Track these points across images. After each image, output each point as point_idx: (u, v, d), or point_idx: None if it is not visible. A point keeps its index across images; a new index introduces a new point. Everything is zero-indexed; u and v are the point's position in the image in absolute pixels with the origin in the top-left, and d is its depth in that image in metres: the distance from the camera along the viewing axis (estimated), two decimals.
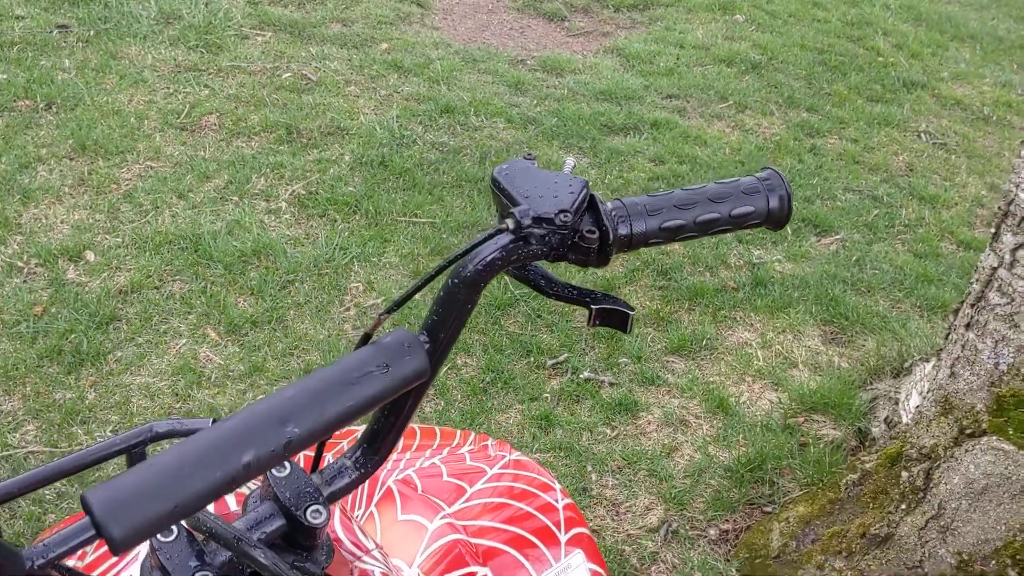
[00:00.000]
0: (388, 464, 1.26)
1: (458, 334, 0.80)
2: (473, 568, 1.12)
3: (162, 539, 0.74)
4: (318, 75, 3.71)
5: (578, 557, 1.18)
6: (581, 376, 2.45)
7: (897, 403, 2.24)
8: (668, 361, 2.57)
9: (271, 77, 3.66)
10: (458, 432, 1.34)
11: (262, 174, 3.08)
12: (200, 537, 0.75)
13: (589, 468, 2.19)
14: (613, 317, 0.79)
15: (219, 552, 0.76)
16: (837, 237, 3.19)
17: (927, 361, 2.26)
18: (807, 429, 2.32)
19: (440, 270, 0.75)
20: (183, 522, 0.74)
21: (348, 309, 2.59)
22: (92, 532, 0.65)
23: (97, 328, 2.40)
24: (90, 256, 2.65)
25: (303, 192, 3.02)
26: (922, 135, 3.99)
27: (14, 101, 3.27)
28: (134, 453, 1.07)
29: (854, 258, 3.07)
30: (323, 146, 3.27)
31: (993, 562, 1.69)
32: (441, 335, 0.77)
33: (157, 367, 2.32)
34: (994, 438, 1.75)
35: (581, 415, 2.34)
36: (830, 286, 2.89)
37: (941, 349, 2.05)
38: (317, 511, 0.78)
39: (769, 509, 2.12)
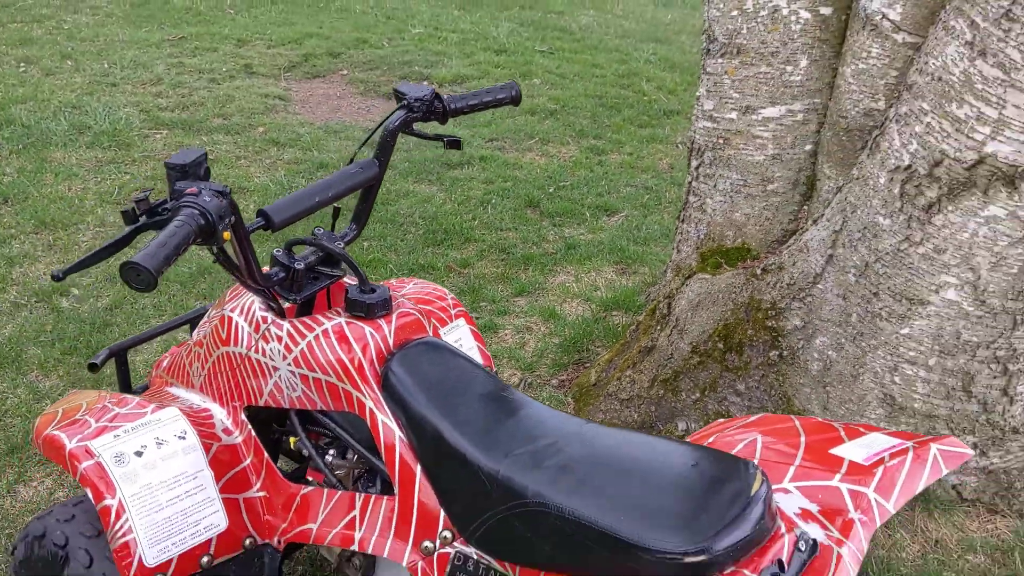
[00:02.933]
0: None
1: (389, 159, 1.86)
2: None
3: (277, 253, 1.75)
4: (214, 155, 4.70)
5: (462, 320, 2.21)
6: None
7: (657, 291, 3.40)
8: (514, 300, 3.65)
9: None
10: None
11: None
12: (293, 251, 1.76)
13: None
14: (454, 143, 1.88)
15: (305, 258, 1.77)
16: (622, 215, 4.41)
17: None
18: (608, 319, 3.45)
19: (379, 127, 1.83)
20: (282, 249, 1.74)
21: None
22: (264, 223, 1.65)
23: (98, 332, 3.27)
24: (75, 291, 3.52)
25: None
26: (679, 144, 5.33)
27: None
28: (193, 321, 2.19)
29: (635, 225, 4.28)
30: None
31: (709, 343, 2.82)
32: (382, 159, 1.84)
33: (150, 349, 3.21)
34: (699, 274, 2.92)
35: None
36: (619, 243, 4.08)
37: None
38: (339, 244, 1.81)
39: (588, 364, 3.21)
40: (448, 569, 1.57)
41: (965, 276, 2.37)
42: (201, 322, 2.11)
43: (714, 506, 1.38)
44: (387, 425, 1.65)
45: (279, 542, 1.78)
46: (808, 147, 2.87)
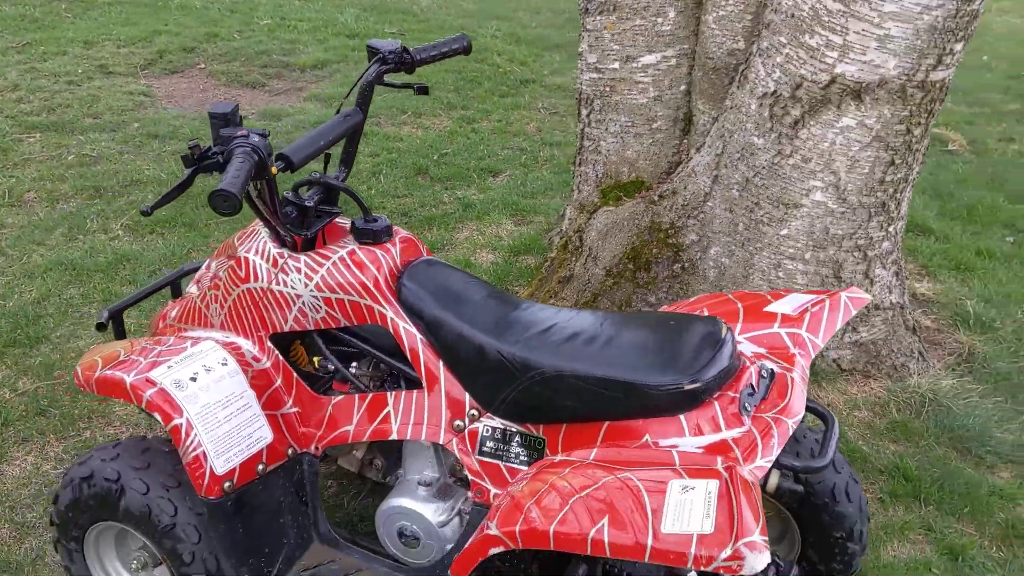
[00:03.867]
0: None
1: (368, 108, 2.13)
2: None
3: (288, 194, 1.99)
4: (96, 152, 4.70)
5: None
6: None
7: (561, 231, 3.78)
8: None
9: (59, 161, 4.60)
10: None
11: (92, 219, 4.06)
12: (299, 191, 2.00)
13: None
14: (423, 90, 2.17)
15: (312, 196, 2.01)
16: (505, 174, 4.77)
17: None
18: (519, 262, 3.81)
19: (358, 80, 2.09)
20: (291, 191, 1.99)
21: None
22: (284, 164, 1.89)
23: (32, 324, 3.31)
24: None
25: (130, 223, 4.05)
26: (541, 110, 5.74)
27: None
28: (175, 284, 2.42)
29: (519, 182, 4.65)
30: (128, 194, 4.30)
31: (620, 265, 3.23)
32: (363, 108, 2.10)
33: (89, 333, 3.29)
34: (603, 208, 3.31)
35: None
36: (510, 198, 4.43)
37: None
38: (336, 179, 2.06)
39: None
40: (479, 439, 1.88)
41: (828, 179, 2.87)
42: (198, 273, 2.30)
43: (696, 348, 1.75)
44: (408, 330, 1.93)
45: (316, 448, 2.03)
46: (683, 87, 3.32)
